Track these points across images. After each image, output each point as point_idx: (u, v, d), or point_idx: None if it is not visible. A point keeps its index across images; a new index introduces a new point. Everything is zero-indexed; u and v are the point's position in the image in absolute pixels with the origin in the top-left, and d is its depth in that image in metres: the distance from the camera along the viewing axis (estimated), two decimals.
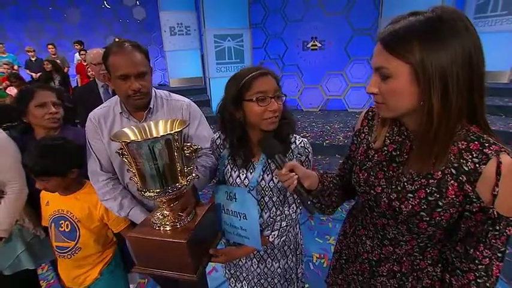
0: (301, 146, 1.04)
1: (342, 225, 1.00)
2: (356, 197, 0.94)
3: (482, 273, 0.65)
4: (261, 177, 1.04)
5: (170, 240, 0.91)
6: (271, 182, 1.04)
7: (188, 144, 0.90)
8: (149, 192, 0.89)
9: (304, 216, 2.78)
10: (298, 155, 1.03)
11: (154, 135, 0.93)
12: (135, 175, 0.90)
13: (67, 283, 1.33)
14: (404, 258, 0.79)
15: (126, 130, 0.92)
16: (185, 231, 0.93)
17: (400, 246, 0.78)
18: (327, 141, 4.37)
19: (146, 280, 2.08)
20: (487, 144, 0.60)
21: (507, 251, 0.64)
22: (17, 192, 1.32)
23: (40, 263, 1.53)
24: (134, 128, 0.93)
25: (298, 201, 1.07)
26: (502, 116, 4.47)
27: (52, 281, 2.12)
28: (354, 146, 0.90)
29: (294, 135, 1.06)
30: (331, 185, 0.88)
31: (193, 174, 0.96)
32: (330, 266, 1.05)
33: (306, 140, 1.07)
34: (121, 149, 0.88)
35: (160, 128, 0.95)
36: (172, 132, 0.87)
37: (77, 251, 1.25)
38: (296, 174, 0.80)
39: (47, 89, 1.44)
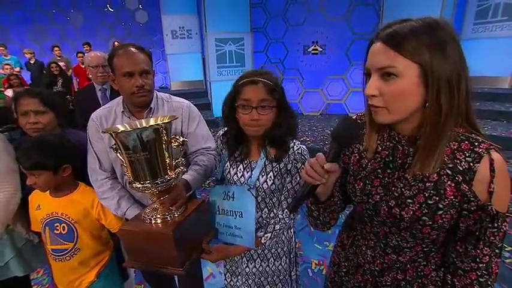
0: (298, 152, 1.02)
1: (338, 236, 0.96)
2: (351, 206, 0.91)
3: (484, 271, 0.65)
4: (256, 177, 1.05)
5: (157, 231, 0.92)
6: (265, 183, 1.04)
7: (176, 137, 0.93)
8: (138, 183, 0.91)
9: (304, 222, 2.76)
10: (294, 161, 1.02)
11: None
12: (127, 170, 0.92)
13: (61, 287, 1.30)
14: (408, 266, 0.77)
15: (119, 126, 0.96)
16: (173, 223, 0.94)
17: (404, 253, 0.76)
18: (327, 146, 4.35)
19: (142, 286, 2.05)
20: (476, 143, 0.62)
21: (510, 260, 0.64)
22: (9, 197, 1.26)
23: (30, 270, 1.46)
24: (126, 125, 0.96)
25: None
26: (503, 121, 4.45)
27: (47, 285, 2.09)
28: (346, 157, 0.84)
29: (294, 140, 1.05)
30: (339, 203, 0.82)
31: (182, 167, 0.98)
32: (326, 277, 1.02)
33: (304, 147, 1.05)
34: (115, 144, 0.90)
35: (151, 123, 0.96)
36: (159, 122, 0.89)
37: (76, 252, 1.24)
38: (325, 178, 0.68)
39: (31, 96, 1.32)
